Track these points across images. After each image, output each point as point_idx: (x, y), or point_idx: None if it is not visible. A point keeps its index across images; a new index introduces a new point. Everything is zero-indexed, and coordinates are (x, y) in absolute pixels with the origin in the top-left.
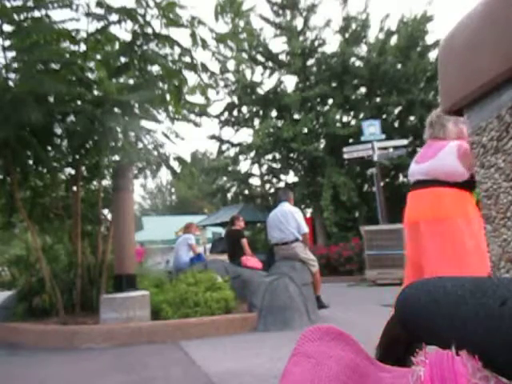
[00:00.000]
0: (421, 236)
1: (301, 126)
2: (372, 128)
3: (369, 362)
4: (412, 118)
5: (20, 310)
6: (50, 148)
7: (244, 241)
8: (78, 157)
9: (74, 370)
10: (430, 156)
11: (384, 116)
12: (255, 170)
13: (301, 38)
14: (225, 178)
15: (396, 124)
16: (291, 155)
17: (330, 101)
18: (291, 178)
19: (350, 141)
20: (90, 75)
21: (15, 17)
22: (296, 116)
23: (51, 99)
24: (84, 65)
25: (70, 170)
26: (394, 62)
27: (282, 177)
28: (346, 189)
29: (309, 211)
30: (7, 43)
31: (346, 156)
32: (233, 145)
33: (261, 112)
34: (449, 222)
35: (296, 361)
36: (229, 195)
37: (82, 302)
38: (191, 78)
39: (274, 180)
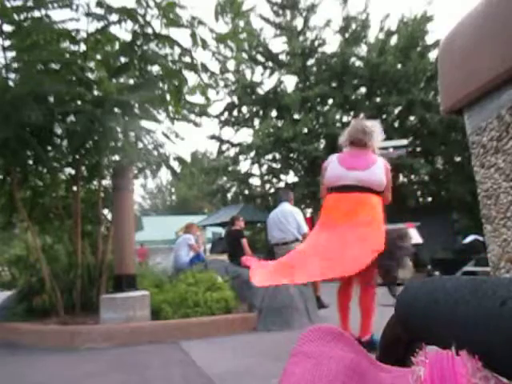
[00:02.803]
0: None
1: (301, 126)
2: None
3: (369, 362)
4: (412, 117)
5: (20, 310)
6: (50, 148)
7: (244, 241)
8: (78, 157)
9: (74, 370)
10: (362, 166)
11: (384, 116)
12: (255, 170)
13: (301, 38)
14: (225, 178)
15: (396, 124)
16: (291, 155)
17: (330, 101)
18: (291, 177)
19: None
20: (90, 75)
21: (15, 17)
22: (296, 116)
23: (51, 99)
24: (84, 65)
25: (70, 170)
26: (394, 62)
27: (282, 177)
28: None
29: (309, 211)
30: (7, 43)
31: None
32: (233, 145)
33: (261, 112)
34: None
35: (296, 361)
36: (229, 195)
37: (82, 302)
38: (191, 78)
39: (274, 180)
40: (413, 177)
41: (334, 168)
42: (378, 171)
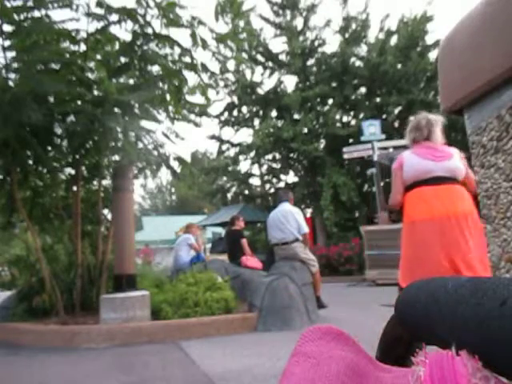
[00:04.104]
0: (452, 229)
1: (301, 126)
2: (372, 128)
3: (369, 362)
4: (412, 118)
5: (20, 310)
6: (50, 148)
7: (244, 241)
8: (78, 157)
9: (74, 370)
10: (444, 156)
11: (384, 116)
12: (255, 170)
13: (301, 38)
14: (225, 178)
15: (396, 124)
16: (291, 155)
17: (330, 101)
18: (291, 177)
19: (350, 141)
20: (90, 75)
21: (15, 17)
22: (296, 116)
23: (51, 99)
24: (84, 65)
25: (70, 170)
26: (394, 62)
27: (282, 177)
28: (345, 189)
29: (309, 211)
30: (7, 43)
31: (345, 156)
32: (233, 145)
33: (261, 112)
34: (474, 215)
35: (296, 361)
36: (229, 195)
37: (81, 301)
38: (191, 78)
39: (274, 180)
40: None
41: (418, 161)
42: (458, 160)
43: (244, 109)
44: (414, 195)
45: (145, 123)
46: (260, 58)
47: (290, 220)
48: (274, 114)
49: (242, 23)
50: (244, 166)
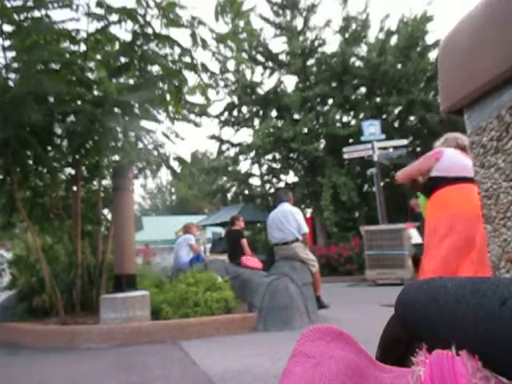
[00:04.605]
0: (475, 229)
1: (301, 126)
2: (372, 128)
3: (369, 362)
4: (412, 118)
5: (20, 309)
6: (50, 148)
7: (244, 241)
8: (78, 157)
9: (74, 370)
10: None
11: (384, 116)
12: (255, 170)
13: (301, 38)
14: (225, 178)
15: (396, 124)
16: (291, 155)
17: (330, 101)
18: (291, 178)
19: (350, 141)
20: (90, 75)
21: (15, 17)
22: (296, 116)
23: (51, 99)
24: (84, 65)
25: (70, 170)
26: (394, 62)
27: (282, 177)
28: (345, 189)
29: (309, 211)
30: (7, 43)
31: (345, 156)
32: (233, 145)
33: (261, 112)
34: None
35: (296, 361)
36: (229, 195)
37: (81, 302)
38: (191, 78)
39: (274, 180)
40: None
41: (462, 159)
42: None
43: (244, 109)
44: (448, 191)
45: (145, 123)
46: (260, 57)
47: (289, 220)
48: (274, 113)
49: (242, 23)
50: (244, 165)
